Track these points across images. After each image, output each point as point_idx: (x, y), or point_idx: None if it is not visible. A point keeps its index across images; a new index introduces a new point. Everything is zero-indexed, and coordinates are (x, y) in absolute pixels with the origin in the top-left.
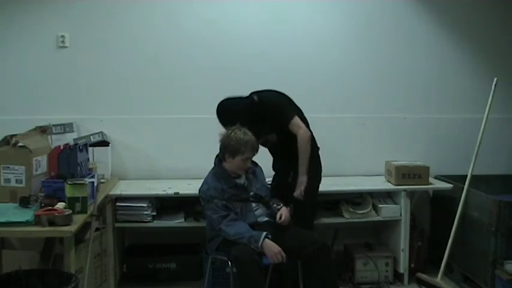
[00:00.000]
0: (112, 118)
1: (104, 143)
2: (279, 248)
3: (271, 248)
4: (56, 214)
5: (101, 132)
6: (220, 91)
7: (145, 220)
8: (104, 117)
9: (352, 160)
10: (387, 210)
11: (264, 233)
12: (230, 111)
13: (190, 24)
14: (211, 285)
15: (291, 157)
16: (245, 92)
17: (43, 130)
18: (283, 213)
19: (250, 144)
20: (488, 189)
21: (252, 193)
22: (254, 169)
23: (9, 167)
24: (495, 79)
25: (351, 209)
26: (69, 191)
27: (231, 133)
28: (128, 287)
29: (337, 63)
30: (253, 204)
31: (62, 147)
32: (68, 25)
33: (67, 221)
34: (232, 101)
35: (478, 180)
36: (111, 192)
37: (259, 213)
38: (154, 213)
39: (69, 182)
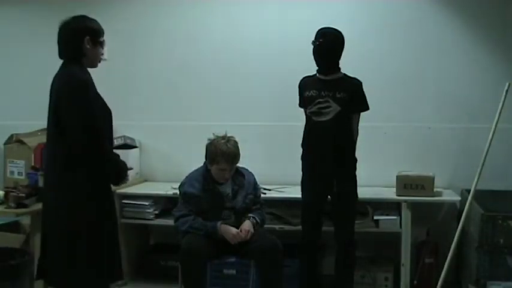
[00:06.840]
0: (143, 124)
1: (126, 147)
2: (236, 230)
3: (229, 231)
4: (11, 194)
5: (124, 136)
6: (250, 99)
7: (148, 218)
8: (136, 123)
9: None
10: (386, 222)
11: (219, 221)
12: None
13: (218, 33)
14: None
15: (339, 157)
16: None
17: None
18: (244, 227)
19: (228, 156)
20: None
21: (229, 204)
22: (243, 181)
23: (13, 161)
24: None
25: None
26: (40, 181)
27: (214, 140)
28: (140, 281)
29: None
30: (226, 213)
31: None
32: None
33: (17, 200)
34: None
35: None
36: (118, 191)
37: (228, 223)
38: (156, 212)
39: (39, 173)
